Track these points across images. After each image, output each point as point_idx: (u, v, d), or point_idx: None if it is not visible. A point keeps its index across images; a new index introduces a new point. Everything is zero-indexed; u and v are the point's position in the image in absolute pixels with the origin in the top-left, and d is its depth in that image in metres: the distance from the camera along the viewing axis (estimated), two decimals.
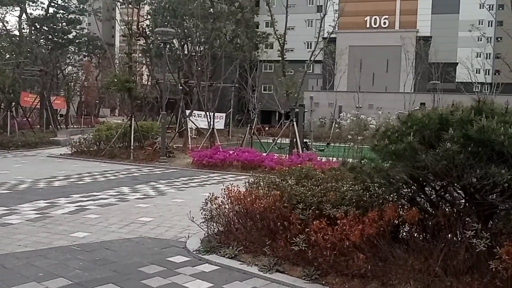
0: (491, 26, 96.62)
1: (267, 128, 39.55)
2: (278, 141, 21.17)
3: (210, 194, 6.83)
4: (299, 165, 7.84)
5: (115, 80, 19.81)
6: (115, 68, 34.52)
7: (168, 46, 22.39)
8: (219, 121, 25.79)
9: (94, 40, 51.28)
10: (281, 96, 28.29)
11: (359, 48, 50.91)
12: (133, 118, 19.60)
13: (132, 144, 19.18)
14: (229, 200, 6.63)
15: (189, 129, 23.52)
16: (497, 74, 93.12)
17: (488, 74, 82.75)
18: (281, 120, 33.65)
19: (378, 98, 41.97)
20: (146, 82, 50.08)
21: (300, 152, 16.98)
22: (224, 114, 28.87)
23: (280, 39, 20.72)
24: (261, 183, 6.89)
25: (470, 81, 43.01)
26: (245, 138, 22.49)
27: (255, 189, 6.70)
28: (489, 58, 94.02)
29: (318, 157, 15.88)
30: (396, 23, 55.42)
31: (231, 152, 17.39)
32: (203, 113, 25.11)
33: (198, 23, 31.05)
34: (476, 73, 53.46)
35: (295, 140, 18.07)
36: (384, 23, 55.54)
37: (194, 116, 24.49)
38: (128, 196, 11.13)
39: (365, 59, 50.10)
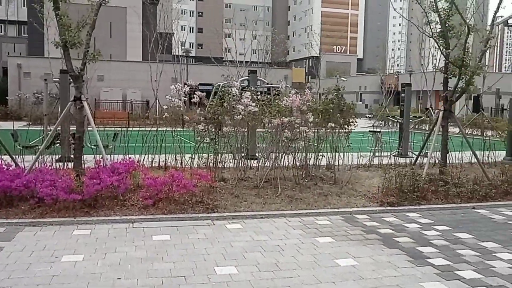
0: (193, 0, 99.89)
1: None
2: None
3: None
4: None
5: None
6: None
7: None
8: None
9: None
10: None
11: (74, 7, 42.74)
12: None
13: None
14: None
15: None
16: (200, 48, 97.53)
17: (192, 47, 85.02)
18: None
19: (109, 68, 35.79)
20: None
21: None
22: None
23: None
24: None
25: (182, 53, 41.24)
26: None
27: None
28: (192, 32, 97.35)
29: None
30: None
31: None
32: None
33: None
34: (182, 46, 53.09)
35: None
36: None
37: None
38: None
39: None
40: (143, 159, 10.22)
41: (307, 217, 7.69)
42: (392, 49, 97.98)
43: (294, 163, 9.99)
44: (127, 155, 9.52)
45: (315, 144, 9.87)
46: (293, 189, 9.07)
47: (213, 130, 9.31)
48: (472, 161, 12.66)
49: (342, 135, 10.06)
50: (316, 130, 9.73)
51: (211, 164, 9.60)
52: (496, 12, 10.60)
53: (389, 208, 8.34)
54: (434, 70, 30.58)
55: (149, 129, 11.63)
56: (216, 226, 7.05)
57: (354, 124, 10.24)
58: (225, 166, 10.00)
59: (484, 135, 21.50)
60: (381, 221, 7.59)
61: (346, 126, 9.82)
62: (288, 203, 8.24)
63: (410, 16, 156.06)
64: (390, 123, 30.80)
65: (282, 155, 9.63)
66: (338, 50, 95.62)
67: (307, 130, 9.29)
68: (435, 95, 38.43)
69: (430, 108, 31.95)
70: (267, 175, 9.28)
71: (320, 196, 8.72)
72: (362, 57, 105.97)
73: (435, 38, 10.21)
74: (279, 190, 8.77)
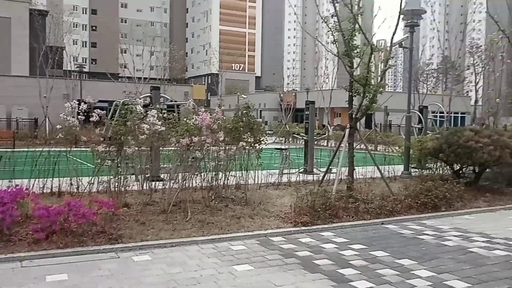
0: (86, 13, 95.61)
1: None
2: None
3: None
4: None
5: None
6: None
7: None
8: None
9: None
10: None
11: None
12: None
13: None
14: None
15: None
16: (94, 63, 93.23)
17: (86, 62, 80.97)
18: None
19: None
20: None
21: None
22: None
23: None
24: None
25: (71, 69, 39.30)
26: None
27: None
28: (86, 47, 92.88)
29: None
30: None
31: None
32: None
33: None
34: (75, 60, 50.60)
35: None
36: None
37: None
38: None
39: None
40: (33, 185, 9.06)
41: (221, 243, 7.20)
42: (288, 68, 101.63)
43: (203, 184, 9.49)
44: (13, 181, 8.36)
45: (225, 164, 9.44)
46: (204, 213, 8.54)
47: (115, 151, 8.50)
48: (374, 176, 13.08)
49: (253, 153, 9.77)
50: (226, 149, 9.32)
51: (112, 188, 8.75)
52: (394, 34, 11.05)
53: (303, 228, 8.14)
54: (331, 88, 31.94)
55: (40, 149, 10.39)
56: (121, 259, 6.30)
57: (265, 142, 10.01)
58: (128, 190, 9.18)
59: (378, 149, 22.64)
60: (298, 243, 7.33)
61: (257, 145, 9.54)
62: (199, 228, 7.69)
63: (304, 37, 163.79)
64: (290, 139, 31.46)
65: (190, 176, 9.07)
66: (237, 67, 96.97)
67: (218, 150, 8.84)
68: (331, 112, 40.10)
69: (328, 125, 33.24)
70: (175, 198, 8.66)
71: (232, 219, 8.29)
72: (260, 75, 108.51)
73: (340, 57, 10.36)
74: (188, 214, 8.19)
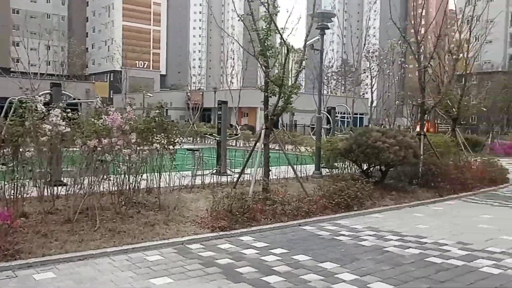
0: None
1: None
2: None
3: None
4: None
5: None
6: None
7: None
8: None
9: None
10: None
11: None
12: None
13: None
14: None
15: None
16: None
17: None
18: None
19: None
20: None
21: None
22: None
23: None
24: None
25: None
26: None
27: None
28: None
29: None
30: None
31: None
32: None
33: None
34: None
35: None
36: None
37: None
38: None
39: None
40: None
41: (135, 253, 6.66)
42: (193, 67, 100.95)
43: (112, 189, 8.80)
44: None
45: (137, 166, 8.83)
46: (114, 220, 7.89)
47: (10, 154, 7.56)
48: (287, 176, 13.13)
49: (166, 155, 9.26)
50: (138, 151, 8.71)
51: (7, 196, 7.78)
52: (307, 35, 11.13)
53: (221, 233, 7.82)
54: (240, 88, 31.93)
55: None
56: (20, 278, 5.54)
57: (180, 144, 9.54)
58: (25, 197, 8.22)
59: (286, 149, 22.96)
60: (217, 250, 7.00)
61: (171, 147, 9.04)
62: (110, 238, 7.06)
63: (209, 36, 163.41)
64: (198, 139, 30.99)
65: (98, 180, 8.34)
66: (141, 65, 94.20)
67: (129, 153, 8.21)
68: (238, 112, 40.20)
69: (236, 124, 33.25)
70: (81, 205, 7.91)
71: (146, 226, 7.74)
72: (165, 73, 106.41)
73: (256, 57, 10.20)
74: (97, 223, 7.51)
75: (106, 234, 7.18)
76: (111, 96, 72.33)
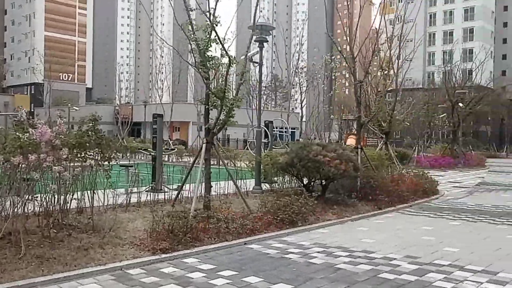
0: None
1: None
2: None
3: None
4: None
5: None
6: None
7: None
8: None
9: None
10: None
11: None
12: None
13: None
14: None
15: None
16: None
17: None
18: None
19: None
20: None
21: None
22: None
23: None
24: None
25: None
26: None
27: None
28: None
29: None
30: None
31: None
32: None
33: None
34: None
35: None
36: None
37: None
38: None
39: None
40: None
41: (68, 282, 5.95)
42: (121, 80, 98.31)
43: (39, 210, 7.95)
44: None
45: (69, 185, 8.04)
46: (42, 245, 7.07)
47: None
48: (227, 192, 12.72)
49: (100, 171, 8.53)
50: (70, 168, 7.93)
51: None
52: (248, 47, 10.88)
53: (163, 256, 7.25)
54: (172, 102, 31.15)
55: None
56: None
57: (116, 160, 8.85)
58: None
59: (221, 163, 22.55)
60: (160, 275, 6.43)
61: (106, 162, 8.34)
62: (38, 266, 6.27)
63: (137, 49, 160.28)
64: (128, 154, 29.76)
65: (22, 201, 7.48)
66: (65, 78, 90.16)
67: (60, 170, 7.43)
68: (170, 126, 39.29)
69: (168, 139, 32.40)
70: (3, 229, 7.02)
71: (79, 251, 6.99)
72: (91, 86, 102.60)
73: (196, 68, 9.77)
74: (22, 249, 6.68)
75: (33, 262, 6.39)
76: (32, 110, 68.44)
